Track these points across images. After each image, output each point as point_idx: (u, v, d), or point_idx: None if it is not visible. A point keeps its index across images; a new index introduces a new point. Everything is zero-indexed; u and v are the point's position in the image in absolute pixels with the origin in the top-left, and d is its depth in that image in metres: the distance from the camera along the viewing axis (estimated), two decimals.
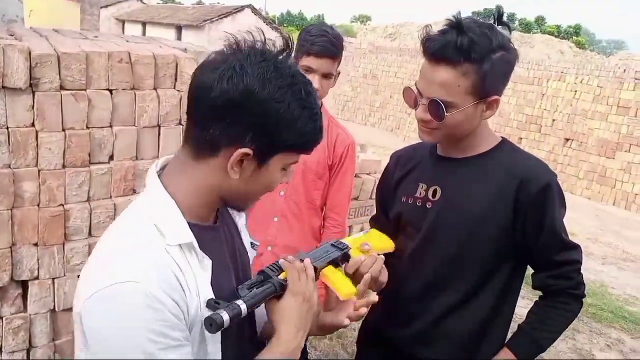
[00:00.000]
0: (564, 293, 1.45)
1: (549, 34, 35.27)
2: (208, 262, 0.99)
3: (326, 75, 2.01)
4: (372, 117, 16.56)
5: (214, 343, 0.98)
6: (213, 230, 1.07)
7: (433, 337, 1.49)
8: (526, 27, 54.74)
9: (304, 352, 2.46)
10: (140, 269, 0.89)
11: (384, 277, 1.44)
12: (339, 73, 2.12)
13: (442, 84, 1.31)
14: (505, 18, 1.40)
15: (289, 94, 0.93)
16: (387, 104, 15.98)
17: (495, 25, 1.35)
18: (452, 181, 1.46)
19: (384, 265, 1.37)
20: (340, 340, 3.65)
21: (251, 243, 1.54)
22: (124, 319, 0.86)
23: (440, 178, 1.48)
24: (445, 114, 1.32)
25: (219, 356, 1.00)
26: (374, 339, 1.66)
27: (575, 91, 11.59)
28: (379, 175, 3.67)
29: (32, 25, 3.53)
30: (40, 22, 3.71)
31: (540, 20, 59.34)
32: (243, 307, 0.96)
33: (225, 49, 0.96)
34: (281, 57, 0.96)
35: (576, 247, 1.48)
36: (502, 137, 1.51)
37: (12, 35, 2.40)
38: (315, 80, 1.99)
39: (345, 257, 1.29)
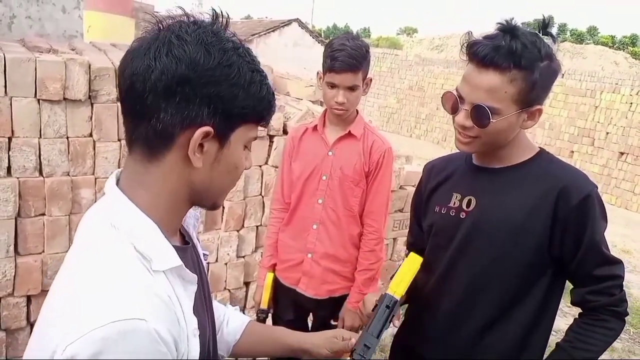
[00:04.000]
0: (605, 310, 1.37)
1: (602, 45, 34.19)
2: (193, 289, 0.90)
3: (351, 88, 2.02)
4: (417, 129, 16.44)
5: None
6: (186, 250, 0.96)
7: (469, 354, 1.45)
8: (578, 38, 53.20)
9: None
10: (142, 302, 0.77)
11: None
12: (370, 80, 2.12)
13: (489, 89, 1.28)
14: (555, 28, 1.38)
15: (235, 57, 0.84)
16: (434, 116, 15.84)
17: (540, 34, 1.33)
18: (487, 191, 1.43)
19: None
20: (384, 354, 3.61)
21: (203, 254, 1.54)
22: None
23: (475, 188, 1.45)
24: (491, 120, 1.29)
25: None
26: (406, 356, 1.63)
27: (631, 103, 11.18)
28: None
29: (90, 40, 3.70)
30: (98, 37, 3.88)
31: (592, 31, 57.60)
32: None
33: (148, 33, 0.84)
34: (215, 25, 0.86)
35: (618, 262, 1.40)
36: (539, 147, 1.46)
37: (73, 50, 2.53)
38: (339, 94, 2.00)
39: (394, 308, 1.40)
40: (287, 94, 3.43)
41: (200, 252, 1.08)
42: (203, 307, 0.97)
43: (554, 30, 1.37)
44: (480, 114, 1.30)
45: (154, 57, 0.80)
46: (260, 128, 0.94)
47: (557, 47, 1.34)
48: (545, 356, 1.47)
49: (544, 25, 1.35)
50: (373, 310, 1.40)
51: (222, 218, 2.78)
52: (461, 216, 1.45)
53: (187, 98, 0.80)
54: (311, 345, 1.30)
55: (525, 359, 1.44)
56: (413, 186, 3.62)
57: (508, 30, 1.28)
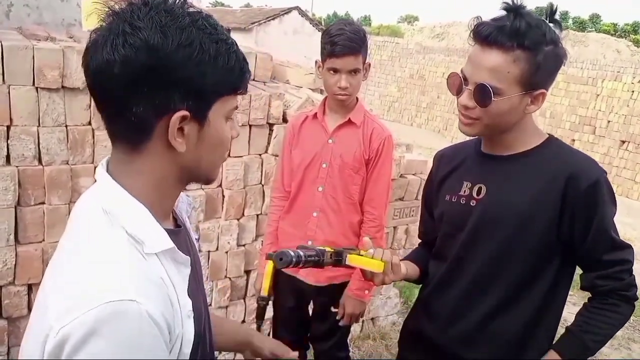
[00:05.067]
0: (614, 294, 1.39)
1: (604, 33, 34.01)
2: (187, 271, 0.90)
3: (353, 72, 2.02)
4: (418, 118, 16.41)
5: None
6: (179, 233, 0.96)
7: (478, 338, 1.46)
8: (580, 26, 52.94)
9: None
10: (134, 284, 0.77)
11: (404, 268, 1.45)
12: (369, 65, 2.12)
13: (491, 68, 1.28)
14: (558, 16, 1.37)
15: (195, 33, 0.80)
16: (435, 104, 15.81)
17: (547, 21, 1.32)
18: (497, 179, 1.43)
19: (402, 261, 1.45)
20: (384, 341, 3.63)
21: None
22: (124, 344, 0.74)
23: (485, 176, 1.45)
24: (493, 99, 1.29)
25: None
26: (415, 340, 1.64)
27: (633, 91, 11.14)
28: (424, 176, 3.63)
29: (88, 28, 3.67)
30: (97, 25, 3.88)
31: (595, 19, 57.26)
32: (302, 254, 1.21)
33: (103, 23, 0.82)
34: (168, 1, 0.82)
35: (627, 247, 1.41)
36: (548, 134, 1.47)
37: (71, 38, 2.52)
38: (342, 79, 2.00)
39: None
40: (286, 81, 3.41)
41: (193, 235, 1.07)
42: (197, 290, 0.97)
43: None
44: (482, 93, 1.30)
45: (111, 50, 0.78)
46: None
47: (563, 35, 1.34)
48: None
49: (551, 12, 1.34)
50: None
51: (222, 207, 2.77)
52: (471, 204, 1.46)
53: (155, 86, 0.79)
54: (258, 341, 1.32)
55: (535, 343, 1.45)
56: (414, 174, 3.61)
57: (512, 9, 1.28)
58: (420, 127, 15.87)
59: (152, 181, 0.86)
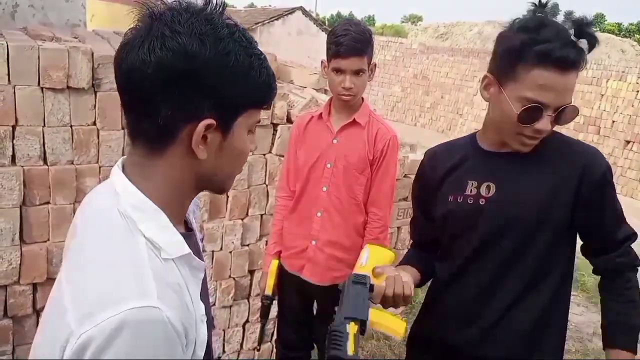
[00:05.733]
0: (630, 268, 1.45)
1: (609, 33, 33.91)
2: (201, 276, 0.91)
3: (357, 72, 2.01)
4: (422, 118, 16.40)
5: None
6: (191, 237, 0.96)
7: (495, 335, 1.45)
8: None
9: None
10: (155, 291, 0.77)
11: (410, 289, 1.42)
12: (375, 65, 2.11)
13: (572, 89, 1.31)
14: (561, 16, 1.37)
15: (231, 44, 0.81)
16: (438, 104, 15.79)
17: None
18: (507, 176, 1.42)
19: (408, 277, 1.42)
20: (388, 341, 3.63)
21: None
22: (145, 351, 0.74)
23: (492, 174, 1.44)
24: (579, 114, 1.36)
25: None
26: (427, 343, 1.62)
27: (637, 91, 11.10)
28: None
29: (93, 29, 3.69)
30: (101, 26, 3.87)
31: (599, 19, 57.08)
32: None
33: (140, 23, 0.82)
34: (208, 9, 0.83)
35: (625, 218, 1.47)
36: None
37: (76, 38, 2.53)
38: (346, 79, 2.00)
39: (371, 289, 1.33)
40: (290, 82, 3.41)
41: (199, 237, 1.08)
42: (205, 293, 0.98)
43: (559, 19, 1.37)
44: (572, 114, 1.33)
45: (148, 51, 0.78)
46: (263, 111, 0.92)
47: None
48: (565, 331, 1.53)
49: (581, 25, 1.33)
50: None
51: (226, 207, 2.78)
52: (480, 203, 1.44)
53: (187, 92, 0.79)
54: None
55: (550, 332, 1.47)
56: None
57: (579, 28, 1.28)
58: (424, 127, 15.86)
59: (169, 185, 0.86)
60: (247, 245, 2.90)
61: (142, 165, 0.86)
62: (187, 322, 0.81)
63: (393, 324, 1.27)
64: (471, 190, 1.46)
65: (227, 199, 2.77)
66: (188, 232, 0.97)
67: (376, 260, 1.45)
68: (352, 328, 1.14)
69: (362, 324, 1.18)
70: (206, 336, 0.89)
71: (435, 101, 15.94)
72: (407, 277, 1.42)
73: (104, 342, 0.72)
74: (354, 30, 1.99)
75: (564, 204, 1.38)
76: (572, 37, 1.27)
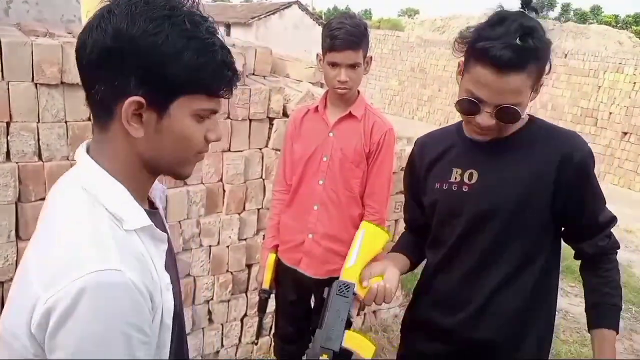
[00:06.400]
0: (610, 252, 1.47)
1: (606, 24, 33.87)
2: (164, 247, 0.94)
3: (352, 66, 2.01)
4: (419, 111, 16.38)
5: (166, 339, 0.93)
6: (156, 214, 1.00)
7: (484, 317, 1.49)
8: (581, 18, 52.72)
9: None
10: (117, 255, 0.80)
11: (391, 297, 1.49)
12: (370, 58, 2.11)
13: (513, 90, 1.29)
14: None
15: (166, 25, 0.82)
16: (436, 97, 15.77)
17: (525, 12, 1.33)
18: (489, 163, 1.45)
19: (393, 280, 1.48)
20: (386, 334, 3.64)
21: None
22: (110, 312, 0.78)
23: (475, 161, 1.47)
24: (521, 116, 1.33)
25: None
26: (420, 328, 1.66)
27: (635, 83, 11.09)
28: None
29: None
30: None
31: (596, 10, 56.93)
32: None
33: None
34: None
35: (605, 201, 1.49)
36: (528, 114, 1.48)
37: (70, 34, 2.51)
38: (341, 73, 1.99)
39: (357, 297, 1.45)
40: (286, 75, 3.40)
41: (166, 223, 1.12)
42: (173, 270, 1.01)
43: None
44: (509, 113, 1.32)
45: (87, 33, 0.84)
46: (223, 99, 0.92)
47: (540, 16, 1.36)
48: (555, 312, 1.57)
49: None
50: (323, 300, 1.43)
51: (223, 201, 2.77)
52: (464, 189, 1.48)
53: (115, 69, 0.83)
54: None
55: (539, 315, 1.50)
56: None
57: (522, 28, 1.25)
58: (422, 121, 15.83)
59: (119, 161, 0.90)
60: (245, 239, 2.90)
61: (98, 142, 0.91)
62: (151, 287, 0.84)
63: (363, 347, 1.35)
64: (455, 178, 1.50)
65: (224, 194, 2.77)
66: (152, 210, 1.01)
67: (368, 250, 1.51)
68: (325, 356, 1.27)
69: (334, 354, 1.29)
70: (173, 305, 0.92)
71: (432, 94, 15.92)
72: (393, 280, 1.47)
73: (68, 305, 0.75)
74: (349, 23, 1.98)
75: (544, 189, 1.40)
76: (533, 43, 1.25)
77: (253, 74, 2.99)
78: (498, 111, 1.32)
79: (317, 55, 2.13)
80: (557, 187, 1.39)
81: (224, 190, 2.77)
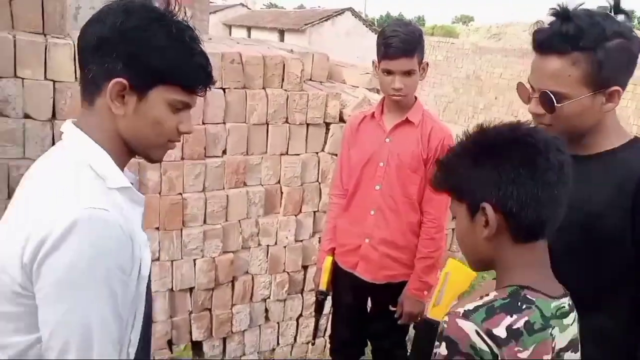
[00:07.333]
0: None
1: None
2: (141, 210, 1.06)
3: (407, 73, 2.02)
4: (475, 119, 16.07)
5: (141, 292, 1.02)
6: (133, 184, 1.08)
7: None
8: None
9: None
10: (104, 201, 0.92)
11: None
12: (427, 64, 2.10)
13: (552, 74, 1.27)
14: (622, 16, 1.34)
15: (155, 25, 0.98)
16: (492, 105, 15.44)
17: (612, 14, 1.30)
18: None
19: None
20: None
21: None
22: (99, 244, 0.88)
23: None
24: (556, 104, 1.27)
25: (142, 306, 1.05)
26: None
27: None
28: None
29: None
30: None
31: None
32: None
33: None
34: (149, 3, 1.02)
35: None
36: (635, 135, 1.39)
37: None
38: (396, 80, 2.00)
39: None
40: (342, 81, 3.45)
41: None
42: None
43: (619, 18, 1.33)
44: (546, 100, 1.29)
45: (89, 24, 1.00)
46: (198, 95, 1.06)
47: (633, 24, 1.31)
48: None
49: (615, 4, 1.31)
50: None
51: (280, 203, 2.84)
52: None
53: (107, 54, 0.97)
54: None
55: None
56: None
57: (559, 14, 1.26)
58: None
59: (104, 133, 1.01)
60: (301, 240, 2.96)
61: (86, 116, 1.02)
62: (133, 237, 0.94)
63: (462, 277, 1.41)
64: None
65: (282, 195, 2.84)
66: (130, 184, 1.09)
67: (454, 289, 1.46)
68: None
69: None
70: (149, 261, 1.02)
71: (488, 102, 15.60)
72: None
73: (58, 238, 0.85)
74: (402, 31, 1.99)
75: (619, 214, 1.27)
76: (566, 28, 1.24)
77: (310, 80, 3.05)
78: (540, 97, 1.30)
79: (373, 62, 2.15)
80: (634, 211, 1.26)
81: (282, 192, 2.84)
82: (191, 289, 2.68)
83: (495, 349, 0.91)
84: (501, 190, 0.98)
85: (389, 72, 2.02)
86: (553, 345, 0.97)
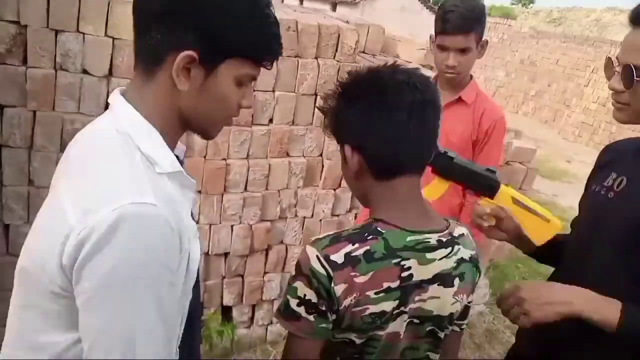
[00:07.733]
0: None
1: None
2: (191, 195, 0.97)
3: (462, 51, 1.93)
4: (525, 106, 15.59)
5: (189, 287, 0.94)
6: (183, 164, 1.01)
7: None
8: None
9: None
10: (152, 192, 0.82)
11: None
12: (486, 42, 2.02)
13: (638, 47, 1.19)
14: None
15: None
16: (544, 93, 14.91)
17: None
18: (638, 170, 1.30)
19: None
20: (469, 329, 3.57)
21: None
22: (146, 244, 0.79)
23: (630, 168, 1.33)
24: (635, 78, 1.18)
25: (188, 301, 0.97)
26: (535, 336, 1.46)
27: None
28: (531, 166, 3.46)
29: None
30: None
31: None
32: None
33: None
34: None
35: None
36: None
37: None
38: (450, 57, 1.93)
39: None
40: (396, 56, 3.37)
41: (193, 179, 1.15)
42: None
43: None
44: (627, 73, 1.21)
45: None
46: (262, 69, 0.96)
47: None
48: None
49: None
50: None
51: (320, 175, 2.82)
52: (609, 196, 1.33)
53: (176, 22, 0.86)
54: None
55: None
56: (520, 163, 3.45)
57: None
58: (526, 116, 15.07)
59: (159, 110, 0.92)
60: (337, 215, 2.95)
61: (139, 88, 0.92)
62: (181, 230, 0.86)
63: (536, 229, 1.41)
64: (609, 182, 1.36)
65: (322, 168, 2.81)
66: (181, 160, 1.02)
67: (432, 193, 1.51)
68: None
69: None
70: (198, 253, 0.94)
71: (541, 89, 15.07)
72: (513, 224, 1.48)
73: (104, 235, 0.77)
74: (462, 6, 1.91)
75: None
76: None
77: (363, 52, 2.99)
78: (622, 70, 1.22)
79: (430, 36, 2.08)
80: None
81: (323, 165, 2.81)
82: (226, 254, 2.71)
83: (332, 272, 0.98)
84: (358, 132, 1.06)
85: (443, 48, 1.96)
86: (403, 274, 1.03)
